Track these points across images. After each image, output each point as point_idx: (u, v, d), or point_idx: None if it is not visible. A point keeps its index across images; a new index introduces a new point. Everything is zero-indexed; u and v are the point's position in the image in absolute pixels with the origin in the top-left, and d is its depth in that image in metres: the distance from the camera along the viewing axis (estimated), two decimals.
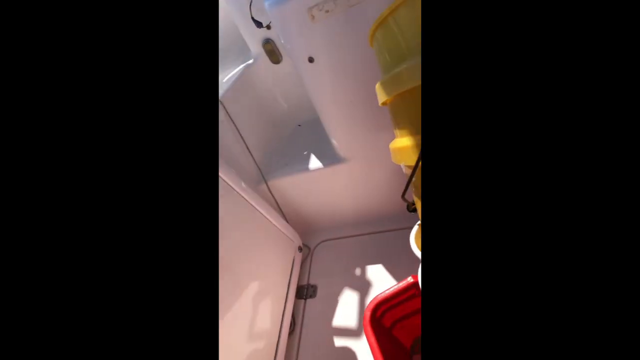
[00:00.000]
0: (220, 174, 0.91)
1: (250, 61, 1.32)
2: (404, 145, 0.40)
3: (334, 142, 1.09)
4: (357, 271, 1.19)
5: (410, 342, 0.74)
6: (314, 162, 1.21)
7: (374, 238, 1.26)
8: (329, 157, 1.17)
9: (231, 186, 0.95)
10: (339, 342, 1.01)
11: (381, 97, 0.44)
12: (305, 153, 1.29)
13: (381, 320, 0.65)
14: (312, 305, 1.15)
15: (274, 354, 0.96)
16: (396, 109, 0.43)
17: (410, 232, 0.70)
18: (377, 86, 0.45)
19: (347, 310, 1.07)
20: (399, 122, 0.43)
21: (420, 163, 0.37)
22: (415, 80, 0.36)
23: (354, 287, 1.14)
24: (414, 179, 0.41)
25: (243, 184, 1.01)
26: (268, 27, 1.13)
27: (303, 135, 1.41)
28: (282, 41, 0.88)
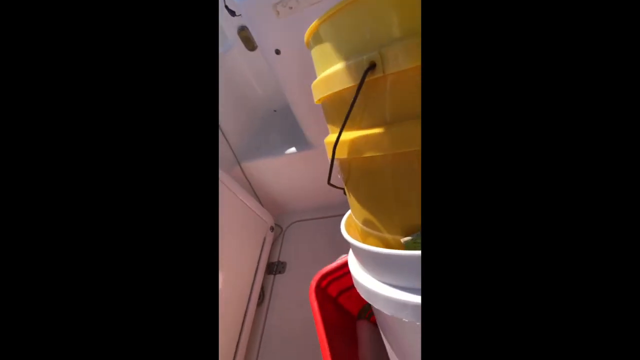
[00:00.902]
0: None
1: (227, 47, 1.36)
2: (328, 141, 0.47)
3: (304, 129, 1.16)
4: (325, 250, 1.29)
5: (357, 310, 0.84)
6: (287, 147, 1.27)
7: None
8: (301, 143, 1.24)
9: None
10: (303, 312, 1.11)
11: (315, 96, 0.51)
12: (279, 138, 1.35)
13: (327, 290, 0.74)
14: (280, 280, 1.25)
15: (241, 321, 1.06)
16: (324, 109, 0.50)
17: None
18: (313, 85, 0.52)
19: None
20: (327, 120, 0.50)
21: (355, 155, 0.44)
22: (334, 87, 0.43)
23: (320, 264, 1.23)
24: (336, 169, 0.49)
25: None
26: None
27: (278, 121, 1.47)
28: (252, 33, 0.93)
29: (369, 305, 0.84)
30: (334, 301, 0.76)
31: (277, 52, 0.91)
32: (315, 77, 1.00)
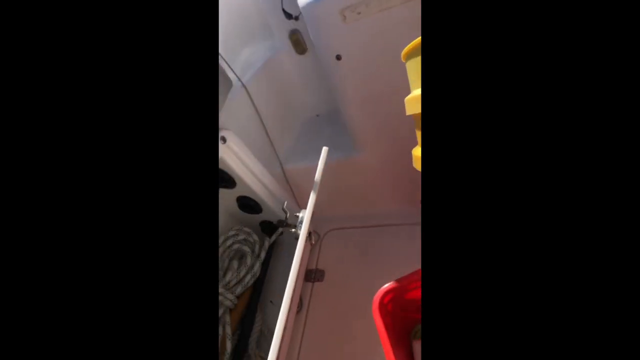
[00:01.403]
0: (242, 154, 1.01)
1: (276, 49, 1.35)
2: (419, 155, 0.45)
3: (352, 135, 1.14)
4: (363, 260, 1.26)
5: (411, 328, 0.81)
6: (330, 153, 1.25)
7: (381, 230, 1.32)
8: (345, 150, 1.22)
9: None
10: (342, 322, 1.08)
11: (408, 109, 0.49)
12: (322, 143, 1.33)
13: (387, 307, 0.71)
14: (319, 288, 1.23)
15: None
16: (419, 123, 0.48)
17: (417, 227, 0.74)
18: (407, 99, 0.50)
19: (352, 295, 1.14)
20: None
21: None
22: None
23: (359, 274, 1.21)
24: None
25: (261, 167, 1.08)
26: (297, 18, 1.16)
27: (321, 126, 1.45)
28: (312, 37, 0.91)
29: None
30: (393, 319, 0.73)
31: (338, 57, 0.89)
32: (378, 85, 0.97)
